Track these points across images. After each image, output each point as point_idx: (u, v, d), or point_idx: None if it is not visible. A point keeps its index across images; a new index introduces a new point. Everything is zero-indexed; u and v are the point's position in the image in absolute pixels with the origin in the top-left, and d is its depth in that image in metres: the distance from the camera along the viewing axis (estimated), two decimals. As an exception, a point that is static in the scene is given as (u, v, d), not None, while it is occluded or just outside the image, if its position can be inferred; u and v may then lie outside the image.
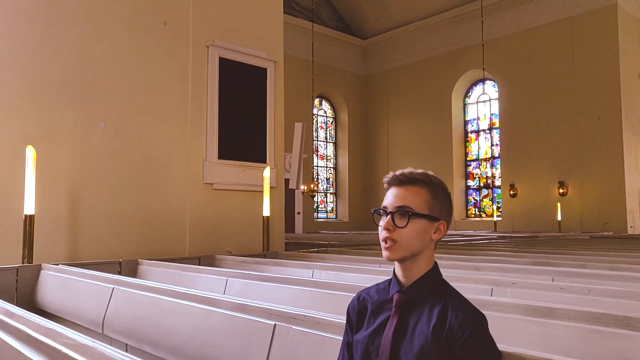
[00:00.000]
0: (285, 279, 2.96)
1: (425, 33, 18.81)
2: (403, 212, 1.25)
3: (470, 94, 18.80)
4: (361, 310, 1.33)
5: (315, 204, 20.02)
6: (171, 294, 2.31)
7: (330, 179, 21.26)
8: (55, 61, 4.99)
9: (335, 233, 14.39)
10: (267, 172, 5.49)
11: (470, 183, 18.60)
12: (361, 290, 1.39)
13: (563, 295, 2.35)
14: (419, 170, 1.31)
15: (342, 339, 1.39)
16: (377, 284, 1.38)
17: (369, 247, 6.33)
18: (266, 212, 5.40)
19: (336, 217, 21.18)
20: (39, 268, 3.81)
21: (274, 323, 1.76)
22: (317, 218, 20.07)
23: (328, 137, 21.30)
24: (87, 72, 5.17)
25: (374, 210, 1.32)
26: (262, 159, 6.32)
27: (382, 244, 1.28)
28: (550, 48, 15.45)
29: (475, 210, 18.42)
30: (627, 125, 14.34)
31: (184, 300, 2.18)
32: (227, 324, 1.87)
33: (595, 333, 1.68)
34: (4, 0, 4.76)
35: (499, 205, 17.24)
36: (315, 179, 19.73)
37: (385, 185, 1.32)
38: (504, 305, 1.95)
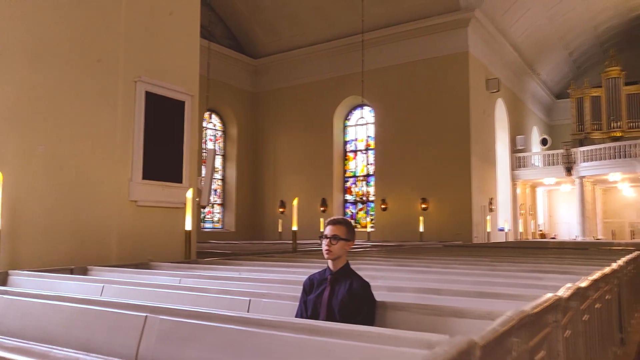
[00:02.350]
0: (226, 276, 4.14)
1: (312, 59, 20.62)
2: (335, 237, 2.62)
3: (350, 117, 20.96)
4: (311, 285, 2.67)
5: (202, 214, 20.73)
6: (162, 286, 3.40)
7: (218, 190, 22.09)
8: (1, 92, 5.61)
9: (227, 242, 15.35)
10: (189, 193, 6.53)
11: (348, 197, 20.69)
12: (310, 274, 2.73)
13: (410, 280, 3.87)
14: (341, 217, 2.67)
15: (297, 302, 2.70)
16: (319, 271, 2.72)
17: (270, 254, 7.59)
18: (188, 226, 6.43)
19: (223, 227, 22.02)
20: (6, 275, 4.53)
21: (249, 299, 2.99)
22: (204, 228, 20.79)
23: (217, 149, 22.13)
24: (29, 101, 5.84)
25: (320, 236, 2.65)
26: (179, 180, 7.32)
27: (325, 252, 2.62)
28: (417, 83, 18.04)
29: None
30: (475, 152, 17.30)
31: (178, 291, 3.30)
32: (215, 302, 3.05)
33: (421, 298, 3.16)
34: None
35: (372, 218, 19.50)
36: (204, 190, 20.41)
37: (326, 222, 2.66)
38: (376, 287, 3.38)
